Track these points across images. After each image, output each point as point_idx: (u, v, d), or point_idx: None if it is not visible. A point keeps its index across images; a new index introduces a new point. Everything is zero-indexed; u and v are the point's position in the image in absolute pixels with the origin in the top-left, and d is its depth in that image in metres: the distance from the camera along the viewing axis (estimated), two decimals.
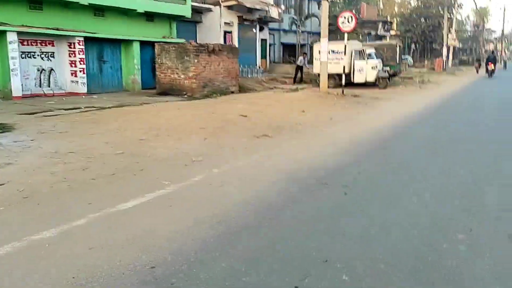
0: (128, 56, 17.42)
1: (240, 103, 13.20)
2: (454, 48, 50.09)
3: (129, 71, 17.50)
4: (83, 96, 15.01)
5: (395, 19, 49.60)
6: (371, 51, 20.84)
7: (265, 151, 7.04)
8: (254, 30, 25.62)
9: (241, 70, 23.58)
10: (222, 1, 22.87)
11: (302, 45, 32.79)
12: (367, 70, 20.19)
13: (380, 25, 38.29)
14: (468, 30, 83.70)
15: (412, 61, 49.58)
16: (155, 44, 16.48)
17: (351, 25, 16.28)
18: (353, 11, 45.22)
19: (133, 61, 17.33)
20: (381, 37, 39.23)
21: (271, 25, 30.60)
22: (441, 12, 48.88)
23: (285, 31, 32.74)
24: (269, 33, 30.72)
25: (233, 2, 22.76)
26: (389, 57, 21.64)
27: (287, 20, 31.98)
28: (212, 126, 9.06)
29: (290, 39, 32.80)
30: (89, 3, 15.32)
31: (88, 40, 15.79)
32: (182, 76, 15.78)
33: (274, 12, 24.55)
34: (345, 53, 17.03)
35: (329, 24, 35.30)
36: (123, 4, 16.31)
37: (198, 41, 21.99)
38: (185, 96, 15.32)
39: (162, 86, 16.27)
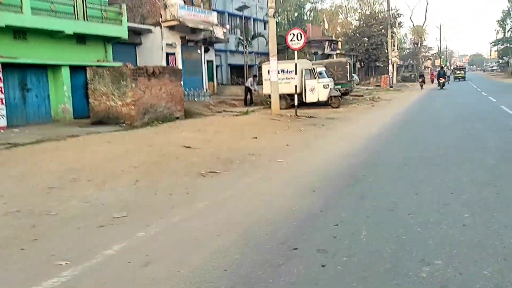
0: (57, 82, 15.42)
1: (185, 131, 11.63)
2: (396, 65, 51.06)
3: (58, 100, 15.47)
4: (2, 131, 12.85)
5: (339, 39, 50.04)
6: (322, 69, 19.98)
7: (212, 195, 5.51)
8: (199, 51, 24.24)
9: (187, 94, 22.09)
10: (162, 22, 21.36)
11: (250, 66, 31.76)
12: (319, 89, 19.25)
13: (326, 44, 38.16)
14: (406, 48, 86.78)
15: (358, 79, 50.04)
16: (87, 68, 14.63)
17: (301, 42, 15.26)
18: None
19: (63, 88, 15.35)
20: (328, 56, 39.05)
21: (217, 46, 29.38)
22: (383, 30, 49.97)
23: (232, 52, 31.65)
24: (216, 54, 29.45)
25: (175, 22, 21.31)
26: (340, 75, 20.89)
27: (234, 41, 30.93)
28: (148, 162, 7.43)
29: (237, 60, 31.70)
30: (6, 25, 13.32)
31: (7, 66, 13.72)
32: (119, 103, 13.99)
33: (219, 32, 23.31)
34: (295, 72, 15.92)
35: (277, 44, 34.64)
36: (47, 25, 14.37)
37: (138, 64, 20.32)
38: (123, 125, 13.53)
39: (96, 114, 14.38)
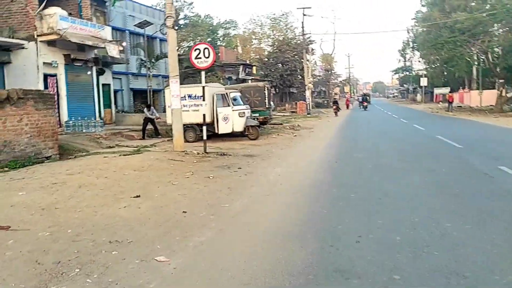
0: None
1: (33, 184, 7.58)
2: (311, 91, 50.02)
3: None
4: None
5: (255, 66, 47.89)
6: (236, 94, 16.76)
7: None
8: (89, 72, 19.89)
9: (72, 124, 17.67)
10: (37, 35, 16.86)
11: (156, 91, 27.77)
12: (234, 118, 15.96)
13: (241, 69, 35.40)
14: (316, 74, 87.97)
15: (274, 105, 48.04)
16: None
17: (209, 60, 11.88)
18: None
19: None
20: (243, 81, 36.32)
21: (117, 67, 25.14)
22: (296, 57, 48.80)
23: (134, 74, 27.47)
24: (114, 77, 25.10)
25: (54, 37, 16.92)
26: (257, 101, 17.85)
27: (136, 62, 26.84)
28: None
29: (141, 84, 27.55)
30: None
31: None
32: None
33: (113, 51, 19.24)
34: (203, 98, 12.46)
35: (187, 67, 31.13)
36: None
37: (7, 87, 15.64)
38: None
39: None
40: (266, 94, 17.96)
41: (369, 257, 3.96)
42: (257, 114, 17.71)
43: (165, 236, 4.93)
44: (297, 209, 5.97)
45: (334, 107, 37.08)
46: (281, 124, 23.48)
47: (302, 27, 36.88)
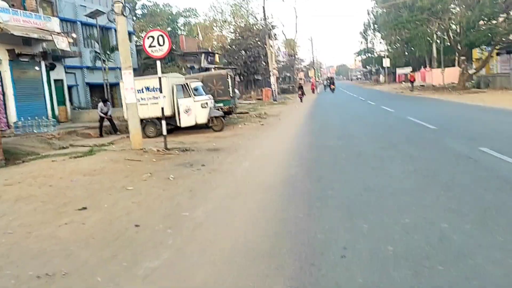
0: None
1: None
2: (276, 77, 49.16)
3: None
4: None
5: (217, 54, 46.56)
6: (198, 84, 15.74)
7: None
8: (37, 68, 18.32)
9: (21, 125, 16.23)
10: None
11: (114, 85, 26.23)
12: (196, 109, 14.98)
13: (203, 57, 34.10)
14: (280, 60, 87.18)
15: (239, 93, 47.04)
16: None
17: (164, 48, 10.79)
18: (173, 45, 40.66)
19: None
20: (206, 70, 35.08)
21: (70, 61, 23.51)
22: (259, 43, 47.77)
23: (90, 68, 25.83)
24: (67, 72, 23.46)
25: None
26: (221, 90, 16.87)
27: (89, 55, 25.22)
28: None
29: (98, 78, 25.94)
30: None
31: None
32: None
33: (61, 43, 17.70)
34: (160, 90, 11.41)
35: (146, 58, 29.69)
36: None
37: None
38: None
39: None
40: (230, 82, 16.99)
41: (360, 279, 3.18)
42: (221, 104, 16.77)
43: (111, 262, 4.01)
44: (268, 214, 5.14)
45: (299, 92, 35.64)
46: (247, 112, 22.61)
47: (264, 11, 35.88)
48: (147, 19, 62.25)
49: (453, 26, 33.38)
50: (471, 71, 33.17)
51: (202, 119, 15.11)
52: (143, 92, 14.94)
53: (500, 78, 30.14)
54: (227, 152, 10.46)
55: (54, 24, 18.05)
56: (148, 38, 10.87)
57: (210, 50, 40.94)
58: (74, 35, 21.20)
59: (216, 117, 15.36)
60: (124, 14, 10.84)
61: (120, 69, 27.40)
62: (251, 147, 11.12)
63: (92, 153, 10.45)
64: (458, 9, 34.17)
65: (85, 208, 5.92)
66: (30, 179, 7.83)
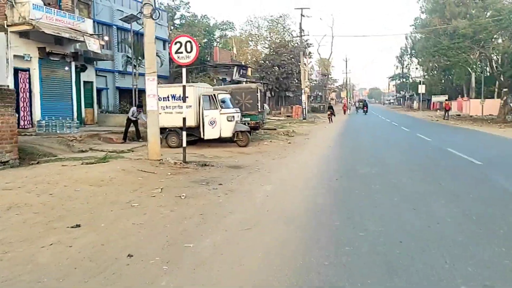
0: None
1: None
2: (307, 95, 48.28)
3: None
4: None
5: (250, 67, 46.14)
6: (225, 96, 15.05)
7: None
8: (67, 68, 18.10)
9: (45, 124, 15.89)
10: (8, 25, 15.09)
11: (143, 90, 25.90)
12: (222, 122, 14.25)
13: (235, 70, 33.62)
14: (313, 79, 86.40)
15: (269, 109, 46.40)
16: None
17: (191, 55, 10.13)
18: (207, 56, 40.42)
19: None
20: (237, 83, 34.60)
21: (102, 64, 23.37)
22: (293, 60, 47.14)
23: (121, 73, 25.66)
24: (98, 75, 23.35)
25: (26, 27, 15.16)
26: (249, 104, 16.12)
27: (121, 59, 25.07)
28: None
29: (128, 83, 25.72)
30: None
31: None
32: None
33: (93, 45, 17.44)
34: (183, 99, 10.71)
35: (178, 67, 29.33)
36: None
37: None
38: None
39: None
40: (259, 96, 16.22)
41: None
42: (248, 119, 16.00)
43: None
44: (286, 255, 4.23)
45: (328, 112, 34.34)
46: (275, 129, 21.77)
47: (300, 28, 35.21)
48: (184, 29, 62.62)
49: (495, 57, 31.77)
50: None
51: (227, 132, 14.36)
52: (168, 100, 14.36)
53: None
54: (248, 171, 9.61)
55: (87, 25, 17.84)
56: (175, 43, 10.25)
57: (243, 64, 40.46)
58: (106, 38, 21.03)
59: (241, 131, 14.58)
60: (153, 17, 10.24)
61: None
62: (275, 167, 10.22)
63: (105, 160, 9.79)
64: (501, 40, 32.71)
65: (78, 225, 5.17)
66: (32, 184, 7.17)
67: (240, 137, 14.59)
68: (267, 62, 49.72)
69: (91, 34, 17.86)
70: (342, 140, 17.86)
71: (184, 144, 10.52)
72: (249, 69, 42.13)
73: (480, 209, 5.87)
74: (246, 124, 15.75)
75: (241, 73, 33.26)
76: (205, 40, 62.52)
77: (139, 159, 10.38)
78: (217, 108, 14.18)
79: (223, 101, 14.39)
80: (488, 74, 49.94)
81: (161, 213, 5.91)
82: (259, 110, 16.27)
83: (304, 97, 34.02)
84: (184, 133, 10.61)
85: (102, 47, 19.28)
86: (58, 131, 16.29)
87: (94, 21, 22.60)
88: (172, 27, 62.39)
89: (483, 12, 48.92)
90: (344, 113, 52.74)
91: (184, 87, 10.51)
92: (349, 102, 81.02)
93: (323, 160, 11.36)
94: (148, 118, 10.53)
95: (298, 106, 37.09)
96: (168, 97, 14.41)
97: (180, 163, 10.03)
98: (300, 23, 34.95)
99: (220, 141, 15.03)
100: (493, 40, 29.57)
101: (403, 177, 8.43)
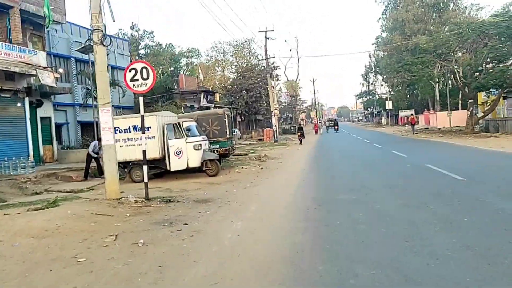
0: None
1: None
2: (277, 117, 47.94)
3: None
4: None
5: (218, 93, 45.49)
6: (191, 124, 14.17)
7: None
8: (19, 104, 16.85)
9: None
10: None
11: None
12: (188, 151, 13.32)
13: (202, 96, 32.82)
14: (282, 101, 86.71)
15: (239, 133, 45.72)
16: None
17: (148, 82, 9.26)
18: (174, 84, 39.50)
19: None
20: (206, 109, 33.78)
21: (61, 98, 22.15)
22: (260, 83, 46.88)
23: (82, 106, 24.41)
24: (57, 109, 22.10)
25: None
26: (217, 130, 15.25)
27: (81, 92, 23.90)
28: None
29: (91, 116, 24.47)
30: None
31: None
32: None
33: (47, 78, 16.31)
34: (142, 131, 9.75)
35: (144, 96, 28.41)
36: None
37: None
38: None
39: None
40: (227, 122, 15.40)
41: None
42: (216, 146, 15.12)
43: None
44: None
45: (299, 133, 32.44)
46: (246, 154, 20.94)
47: (265, 50, 34.93)
48: (149, 58, 61.89)
49: (458, 69, 32.19)
50: (479, 115, 31.76)
51: (195, 162, 13.42)
52: (130, 131, 13.36)
53: (511, 122, 28.64)
54: (218, 204, 8.68)
55: (40, 58, 16.73)
56: (130, 70, 9.36)
57: (210, 89, 39.77)
58: (61, 70, 19.90)
59: (210, 160, 13.67)
60: (104, 43, 9.37)
61: (115, 107, 26.11)
62: (246, 198, 9.33)
63: (55, 204, 8.66)
64: (460, 53, 33.33)
65: None
66: None
67: (209, 166, 13.66)
68: (235, 86, 49.32)
69: (44, 67, 16.73)
70: (316, 162, 17.16)
71: (146, 179, 9.51)
72: (217, 95, 41.46)
73: (480, 238, 5.13)
74: (215, 151, 14.86)
75: (208, 99, 32.54)
76: (172, 68, 61.88)
77: (96, 200, 9.29)
78: (182, 137, 13.26)
79: (188, 129, 13.49)
80: (451, 86, 51.13)
81: (112, 269, 4.91)
82: (228, 136, 15.42)
83: (274, 120, 33.43)
84: (145, 167, 9.62)
85: (57, 80, 18.13)
86: (11, 172, 15.01)
87: (50, 54, 21.53)
88: (137, 57, 61.55)
89: (441, 27, 50.43)
90: (316, 132, 52.66)
91: (142, 117, 9.58)
92: (319, 122, 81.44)
93: (299, 186, 10.54)
94: (104, 154, 9.51)
95: (269, 129, 36.52)
96: (129, 128, 13.41)
97: (142, 201, 9.01)
98: (265, 46, 34.71)
99: (189, 172, 14.06)
100: (454, 53, 29.93)
101: (386, 202, 7.68)
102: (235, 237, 6.03)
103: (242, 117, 52.57)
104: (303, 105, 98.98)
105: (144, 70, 9.28)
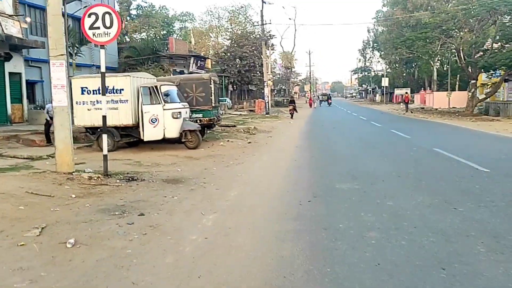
0: None
1: None
2: (270, 88, 45.89)
3: None
4: None
5: (209, 58, 43.13)
6: (171, 89, 12.34)
7: None
8: None
9: None
10: None
11: None
12: (166, 120, 11.55)
13: (192, 61, 30.58)
14: (276, 72, 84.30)
15: (231, 103, 43.72)
16: None
17: (112, 31, 7.39)
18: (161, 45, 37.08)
19: None
20: None
21: (35, 53, 20.01)
22: (255, 52, 44.59)
23: None
24: (30, 65, 20.00)
25: None
26: (201, 98, 13.40)
27: None
28: None
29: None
30: None
31: None
32: None
33: (12, 28, 14.21)
34: (102, 93, 7.91)
35: (127, 57, 26.28)
36: None
37: None
38: None
39: None
40: (213, 88, 13.53)
41: None
42: (200, 115, 13.33)
43: None
44: None
45: (290, 107, 29.20)
46: (234, 126, 19.19)
47: (262, 15, 32.49)
48: (141, 20, 58.87)
49: (464, 47, 30.26)
50: (480, 97, 30.16)
51: (173, 132, 11.67)
52: (93, 94, 11.51)
53: None
54: (190, 186, 7.02)
55: (5, 5, 14.57)
56: (89, 16, 7.44)
57: (201, 55, 37.47)
58: (28, 19, 17.64)
59: (191, 130, 11.92)
60: None
61: (96, 66, 23.95)
62: (227, 180, 7.67)
63: (16, 169, 6.93)
64: (466, 30, 31.32)
65: None
66: None
67: (189, 138, 11.93)
68: (228, 54, 46.96)
69: (10, 15, 14.60)
70: (310, 138, 15.50)
71: (105, 151, 7.79)
72: (209, 61, 39.19)
73: None
74: (198, 121, 13.11)
75: (199, 65, 30.34)
76: (164, 31, 59.02)
77: (43, 173, 7.56)
78: (159, 103, 11.45)
79: (166, 94, 11.67)
80: (447, 67, 49.25)
81: None
82: (214, 104, 13.59)
83: (266, 90, 31.44)
84: (105, 136, 7.89)
85: (26, 31, 16.02)
86: None
87: (23, 3, 19.25)
88: (128, 17, 58.46)
89: (445, 4, 48.12)
90: (310, 106, 51.13)
91: (103, 75, 7.74)
92: (314, 96, 79.46)
93: (289, 168, 8.90)
94: (55, 117, 7.70)
95: (261, 100, 34.59)
96: (99, 89, 11.55)
97: (98, 177, 7.31)
98: (262, 10, 32.28)
99: (168, 142, 12.33)
100: (460, 30, 27.97)
101: (400, 197, 6.06)
102: (202, 242, 4.38)
103: (234, 86, 50.42)
104: (297, 78, 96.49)
105: (107, 16, 7.38)
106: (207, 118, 13.40)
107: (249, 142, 13.96)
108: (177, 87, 12.95)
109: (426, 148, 11.21)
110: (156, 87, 11.57)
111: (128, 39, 48.38)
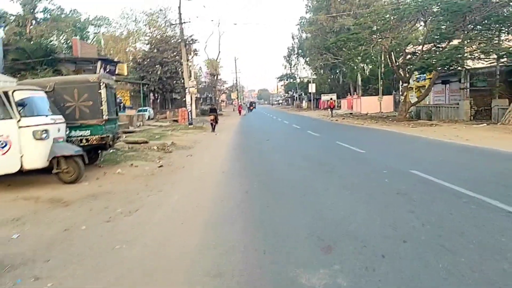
0: None
1: None
2: (194, 97, 42.06)
3: None
4: None
5: (125, 64, 38.25)
6: (35, 96, 8.22)
7: None
8: None
9: None
10: None
11: None
12: (24, 142, 7.45)
13: (99, 65, 25.79)
14: (202, 80, 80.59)
15: (153, 112, 39.21)
16: None
17: None
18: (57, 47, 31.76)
19: None
20: None
21: None
22: (177, 57, 40.61)
23: None
24: None
25: None
26: (87, 108, 9.37)
27: None
28: None
29: None
30: None
31: None
32: None
33: None
34: None
35: (14, 60, 21.27)
36: None
37: None
38: None
39: None
40: (104, 95, 9.54)
41: None
42: (86, 132, 9.31)
43: None
44: None
45: (212, 117, 23.93)
46: (147, 142, 15.22)
47: (179, 13, 28.41)
48: (48, 24, 52.22)
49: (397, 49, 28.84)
50: (412, 100, 28.84)
51: (36, 161, 7.59)
52: None
53: (446, 109, 25.94)
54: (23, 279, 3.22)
55: None
56: None
57: (111, 59, 32.69)
58: None
59: (66, 157, 7.92)
60: None
61: None
62: (102, 254, 3.94)
63: None
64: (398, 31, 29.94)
65: None
66: None
67: (64, 167, 7.92)
68: (148, 60, 42.39)
69: None
70: (241, 157, 11.99)
71: None
72: (124, 66, 34.34)
73: None
74: (83, 141, 9.13)
75: (108, 70, 25.73)
76: (76, 36, 52.87)
77: None
78: (11, 117, 7.35)
79: (22, 105, 7.53)
80: (370, 74, 48.98)
81: None
82: (107, 117, 9.61)
83: (188, 98, 27.45)
84: None
85: None
86: None
87: None
88: (32, 21, 51.51)
89: (366, 9, 47.67)
90: (240, 113, 48.64)
91: None
92: (243, 103, 76.92)
93: (210, 224, 5.29)
94: None
95: (184, 109, 30.60)
96: None
97: None
98: (179, 7, 28.47)
99: (41, 172, 8.18)
100: (390, 31, 26.30)
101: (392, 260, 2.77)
102: None
103: (156, 94, 45.87)
104: (224, 86, 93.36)
105: None
106: (97, 136, 9.39)
107: (160, 166, 10.18)
108: (50, 93, 8.86)
109: (400, 170, 8.14)
110: (5, 93, 7.43)
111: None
